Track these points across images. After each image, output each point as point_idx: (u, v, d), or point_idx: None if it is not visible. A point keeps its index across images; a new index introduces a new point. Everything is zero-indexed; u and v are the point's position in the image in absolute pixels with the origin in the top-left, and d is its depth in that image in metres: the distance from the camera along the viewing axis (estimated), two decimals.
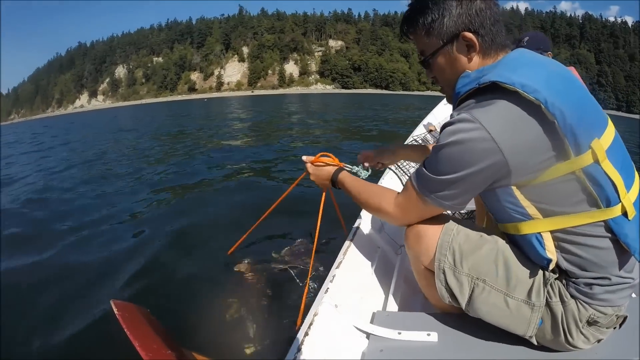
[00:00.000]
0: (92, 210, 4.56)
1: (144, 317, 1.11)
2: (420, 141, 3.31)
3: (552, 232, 0.96)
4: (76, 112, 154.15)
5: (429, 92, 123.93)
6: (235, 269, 2.53)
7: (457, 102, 1.04)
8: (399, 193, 1.20)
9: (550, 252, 0.97)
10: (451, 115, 0.98)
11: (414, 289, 1.61)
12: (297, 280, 2.35)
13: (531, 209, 0.96)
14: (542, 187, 0.92)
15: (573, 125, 0.86)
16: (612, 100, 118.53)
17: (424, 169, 1.04)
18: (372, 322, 1.31)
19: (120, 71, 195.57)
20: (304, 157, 1.62)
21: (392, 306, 1.53)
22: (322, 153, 1.62)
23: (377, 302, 1.55)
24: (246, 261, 2.63)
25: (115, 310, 0.99)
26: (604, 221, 0.92)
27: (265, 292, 2.29)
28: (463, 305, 1.10)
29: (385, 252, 1.86)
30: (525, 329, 1.03)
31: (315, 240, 1.69)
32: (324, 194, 1.69)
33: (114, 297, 1.55)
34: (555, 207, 0.94)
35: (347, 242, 1.68)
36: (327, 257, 1.68)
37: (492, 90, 0.91)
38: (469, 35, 0.98)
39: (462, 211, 2.30)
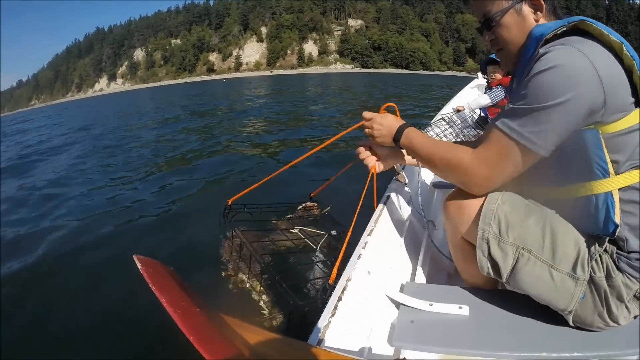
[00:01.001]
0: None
1: (169, 274, 1.05)
2: (447, 120, 3.26)
3: (620, 190, 0.94)
4: (95, 95, 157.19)
5: (449, 72, 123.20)
6: (258, 234, 2.41)
7: (537, 45, 0.98)
8: (479, 147, 1.07)
9: (617, 216, 0.94)
10: (537, 52, 0.95)
11: (439, 265, 1.70)
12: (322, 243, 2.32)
13: (610, 164, 0.93)
14: (619, 135, 0.91)
15: None
16: None
17: (512, 106, 0.98)
18: (401, 291, 1.31)
19: (139, 54, 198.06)
20: (366, 113, 1.39)
21: (420, 278, 1.56)
22: (388, 104, 1.50)
23: (405, 274, 1.56)
24: (271, 225, 2.62)
25: (138, 265, 0.96)
26: None
27: (292, 255, 2.30)
28: (504, 276, 1.08)
29: (414, 226, 1.85)
30: (567, 303, 1.01)
31: (359, 207, 1.50)
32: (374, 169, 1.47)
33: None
34: (627, 160, 0.92)
35: (377, 210, 1.66)
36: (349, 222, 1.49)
37: (576, 35, 0.94)
38: None
39: None
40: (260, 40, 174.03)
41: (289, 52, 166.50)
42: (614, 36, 0.90)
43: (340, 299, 1.10)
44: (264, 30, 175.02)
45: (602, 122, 0.90)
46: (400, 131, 1.27)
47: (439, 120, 3.30)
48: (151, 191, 4.63)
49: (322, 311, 1.08)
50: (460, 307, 1.16)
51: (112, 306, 2.20)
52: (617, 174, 0.93)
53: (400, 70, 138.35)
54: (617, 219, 0.94)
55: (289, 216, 2.73)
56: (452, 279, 1.60)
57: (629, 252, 0.97)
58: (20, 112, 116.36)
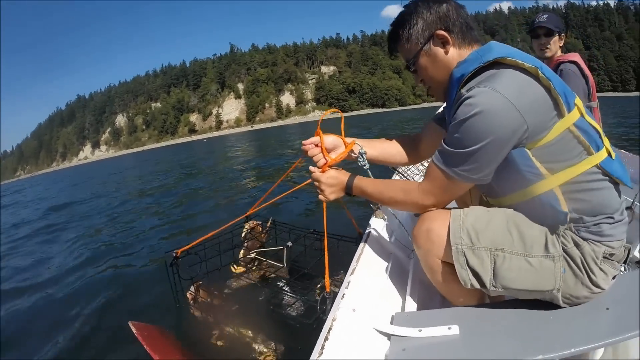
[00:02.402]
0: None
1: (161, 334, 1.10)
2: None
3: (560, 186, 1.05)
4: (80, 164, 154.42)
5: (424, 104, 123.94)
6: (241, 279, 2.50)
7: (459, 85, 1.12)
8: (422, 181, 1.22)
9: (564, 206, 1.06)
10: (460, 94, 1.05)
11: (431, 291, 1.61)
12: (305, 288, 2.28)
13: (542, 169, 1.04)
14: (547, 147, 1.03)
15: (560, 87, 1.03)
16: (606, 82, 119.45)
17: (446, 147, 1.08)
18: (391, 323, 1.30)
19: (121, 120, 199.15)
20: (312, 168, 1.47)
21: (411, 308, 1.51)
22: (333, 110, 1.58)
23: (394, 305, 1.53)
24: (252, 271, 2.60)
25: (134, 330, 0.99)
26: (597, 165, 1.05)
27: (277, 299, 2.23)
28: (487, 282, 1.11)
29: (398, 258, 1.84)
30: (553, 281, 1.07)
31: (326, 250, 1.67)
32: (324, 204, 1.60)
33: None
34: (560, 163, 1.04)
35: (359, 249, 1.67)
36: (335, 263, 1.63)
37: (492, 68, 1.06)
38: (441, 32, 1.15)
39: None
40: (238, 96, 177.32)
41: (267, 105, 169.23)
42: (529, 62, 1.01)
43: (326, 338, 1.08)
44: (240, 86, 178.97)
45: (527, 143, 1.03)
46: (349, 186, 1.38)
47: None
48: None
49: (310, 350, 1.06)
50: (449, 328, 1.15)
51: None
52: (553, 174, 1.05)
53: (377, 110, 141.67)
54: (564, 209, 1.06)
55: (238, 248, 2.73)
56: (445, 302, 1.47)
57: (584, 223, 1.08)
58: (5, 183, 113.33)
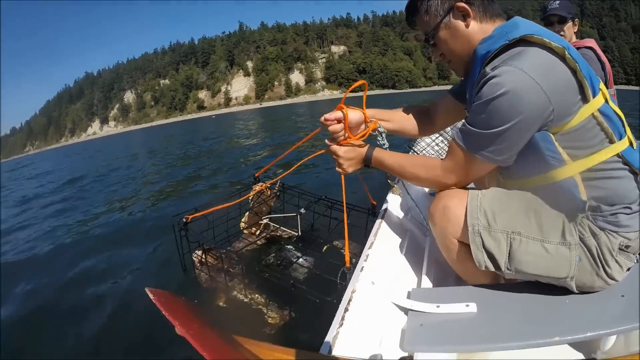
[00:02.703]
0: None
1: (180, 301, 1.11)
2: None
3: (580, 173, 1.03)
4: (89, 139, 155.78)
5: (435, 87, 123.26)
6: (248, 244, 2.48)
7: (483, 63, 1.09)
8: (444, 159, 1.20)
9: (583, 194, 1.04)
10: (485, 73, 1.03)
11: (446, 269, 1.61)
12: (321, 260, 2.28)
13: (564, 155, 1.02)
14: (570, 132, 1.01)
15: (586, 70, 0.99)
16: (620, 74, 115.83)
17: (470, 127, 1.06)
18: (408, 298, 1.29)
19: (129, 96, 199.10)
20: (328, 141, 1.43)
21: (427, 284, 1.51)
22: (360, 82, 1.41)
23: (411, 281, 1.55)
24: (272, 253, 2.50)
25: (151, 296, 1.00)
26: (618, 154, 1.03)
27: (287, 266, 2.24)
28: (502, 264, 1.11)
29: (415, 235, 1.85)
30: (567, 269, 1.06)
31: (345, 225, 1.61)
32: (343, 178, 1.54)
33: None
34: (582, 150, 1.03)
35: (376, 224, 1.69)
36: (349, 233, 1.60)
37: (517, 45, 1.02)
38: (461, 4, 1.11)
39: None
40: (247, 74, 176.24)
41: (276, 83, 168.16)
42: (557, 42, 0.97)
43: (346, 309, 1.11)
44: (249, 64, 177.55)
45: (553, 126, 1.01)
46: (368, 157, 1.36)
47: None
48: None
49: (331, 319, 1.09)
50: (467, 305, 1.15)
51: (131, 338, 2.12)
52: (574, 160, 1.03)
53: (387, 91, 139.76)
54: (583, 197, 1.03)
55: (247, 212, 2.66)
56: (460, 281, 1.49)
57: (602, 212, 1.07)
58: (14, 158, 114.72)
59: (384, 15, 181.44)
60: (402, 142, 2.53)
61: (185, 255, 2.27)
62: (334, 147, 1.39)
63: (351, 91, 1.53)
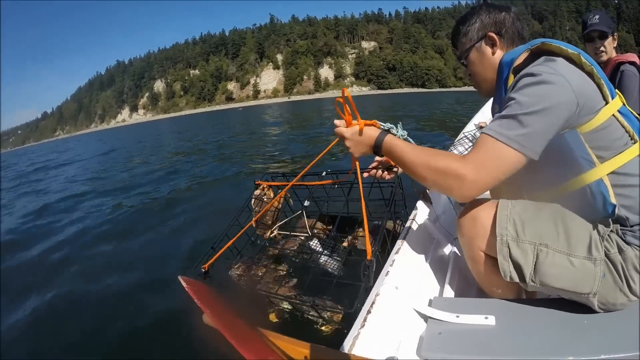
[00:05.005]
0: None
1: (212, 293, 1.14)
2: (470, 137, 3.17)
3: (608, 175, 1.06)
4: (118, 126, 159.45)
5: (465, 88, 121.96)
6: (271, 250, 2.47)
7: (510, 69, 1.18)
8: (469, 152, 1.09)
9: (612, 197, 1.05)
10: (510, 75, 1.17)
11: (469, 280, 1.63)
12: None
13: (592, 156, 1.06)
14: (595, 132, 1.05)
15: (601, 73, 1.06)
16: None
17: (501, 114, 1.05)
18: (430, 306, 1.32)
19: (159, 85, 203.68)
20: (337, 121, 1.36)
21: (449, 294, 1.54)
22: (339, 99, 1.28)
23: (433, 289, 1.58)
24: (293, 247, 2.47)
25: (184, 284, 1.04)
26: None
27: (320, 271, 2.15)
28: (527, 276, 1.11)
29: (441, 243, 1.88)
30: (591, 285, 1.05)
31: (365, 222, 1.57)
32: (357, 162, 1.48)
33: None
34: (608, 151, 1.06)
35: (404, 230, 1.72)
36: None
37: (538, 56, 1.11)
38: (492, 34, 1.27)
39: None
40: (276, 67, 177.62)
41: (305, 77, 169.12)
42: (571, 49, 1.07)
43: (369, 312, 1.14)
44: (279, 57, 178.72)
45: (578, 124, 1.04)
46: (379, 142, 1.26)
47: (462, 138, 3.21)
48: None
49: (353, 319, 1.13)
50: (486, 318, 1.17)
51: (159, 321, 2.24)
52: (602, 162, 1.05)
53: (416, 89, 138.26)
54: (613, 200, 1.05)
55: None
56: (481, 293, 1.49)
57: (631, 226, 1.07)
58: (45, 142, 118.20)
59: (415, 12, 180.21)
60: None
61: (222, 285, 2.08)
62: (340, 128, 1.33)
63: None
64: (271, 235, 2.57)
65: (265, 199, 2.58)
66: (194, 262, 1.98)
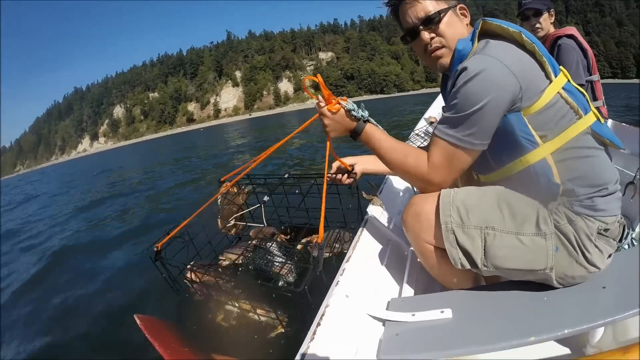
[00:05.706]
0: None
1: (165, 326, 1.20)
2: (422, 134, 3.23)
3: (553, 154, 1.07)
4: (80, 156, 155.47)
5: (423, 90, 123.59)
6: (232, 249, 2.46)
7: (461, 60, 1.15)
8: (428, 154, 1.17)
9: (556, 176, 1.07)
10: (458, 70, 1.09)
11: (430, 277, 1.55)
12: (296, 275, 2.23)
13: (536, 137, 1.06)
14: (541, 112, 1.05)
15: (544, 51, 1.06)
16: (606, 69, 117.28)
17: (447, 115, 1.09)
18: (387, 309, 1.30)
19: (118, 111, 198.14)
20: (319, 100, 1.38)
21: (408, 293, 1.51)
22: (310, 77, 1.49)
23: (392, 291, 1.54)
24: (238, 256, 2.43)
25: (138, 322, 1.08)
26: (588, 128, 1.07)
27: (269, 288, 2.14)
28: (478, 261, 1.11)
29: (397, 244, 1.83)
30: (545, 260, 1.06)
31: (323, 200, 1.47)
32: (329, 142, 1.45)
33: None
34: (552, 130, 1.06)
35: (356, 237, 1.67)
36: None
37: (481, 40, 1.13)
38: (464, 6, 1.26)
39: None
40: (235, 84, 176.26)
41: (265, 93, 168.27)
42: (512, 27, 1.07)
43: (319, 324, 1.10)
44: (238, 74, 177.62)
45: (523, 107, 1.04)
46: (359, 128, 1.28)
47: (414, 135, 3.23)
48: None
49: (307, 313, 1.10)
50: (442, 312, 1.16)
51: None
52: (545, 142, 1.06)
53: (375, 96, 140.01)
54: (557, 180, 1.06)
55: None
56: (445, 287, 1.45)
57: (578, 197, 1.08)
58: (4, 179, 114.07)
59: (370, 19, 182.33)
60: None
61: (174, 279, 2.04)
62: (324, 109, 1.32)
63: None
64: (227, 226, 2.57)
65: (228, 198, 2.57)
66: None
